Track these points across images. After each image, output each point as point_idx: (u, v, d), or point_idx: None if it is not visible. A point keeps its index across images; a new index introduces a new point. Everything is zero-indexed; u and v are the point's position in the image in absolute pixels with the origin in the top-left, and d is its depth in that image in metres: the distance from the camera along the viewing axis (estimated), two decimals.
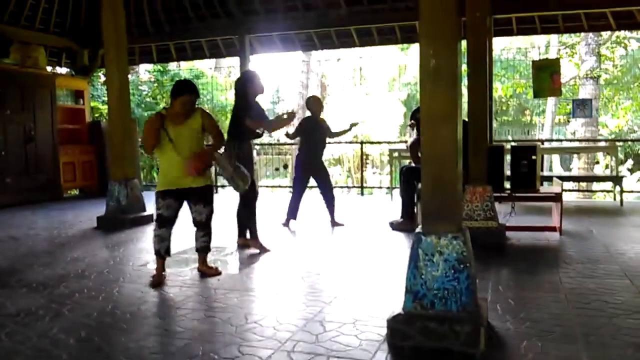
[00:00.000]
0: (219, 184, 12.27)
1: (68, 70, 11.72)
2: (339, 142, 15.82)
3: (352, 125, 7.22)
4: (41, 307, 3.72)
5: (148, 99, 16.89)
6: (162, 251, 4.42)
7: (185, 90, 4.40)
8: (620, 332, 3.05)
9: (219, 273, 4.53)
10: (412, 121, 6.61)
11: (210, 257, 5.07)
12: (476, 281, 3.03)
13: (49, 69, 10.62)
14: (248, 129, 5.22)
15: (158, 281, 4.28)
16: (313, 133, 6.79)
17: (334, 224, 6.82)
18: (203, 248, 4.59)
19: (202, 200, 4.49)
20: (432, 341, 2.83)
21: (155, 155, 4.53)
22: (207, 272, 4.53)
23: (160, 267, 4.42)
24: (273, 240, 5.69)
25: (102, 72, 13.51)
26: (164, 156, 4.40)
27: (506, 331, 3.11)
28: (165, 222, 4.42)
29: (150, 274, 4.46)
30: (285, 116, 5.33)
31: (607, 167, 15.95)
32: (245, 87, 5.30)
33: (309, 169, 6.82)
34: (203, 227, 4.55)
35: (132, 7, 10.24)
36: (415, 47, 18.54)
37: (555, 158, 16.57)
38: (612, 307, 3.49)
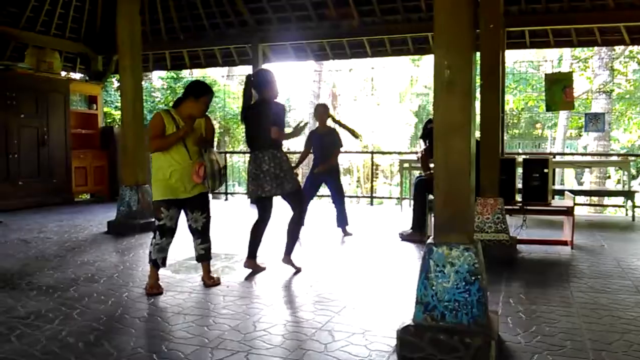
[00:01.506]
0: (229, 191, 12.30)
1: (82, 75, 11.82)
2: (349, 152, 15.84)
3: (356, 135, 7.28)
4: (51, 310, 3.74)
5: (161, 105, 17.00)
6: (159, 261, 4.28)
7: (209, 89, 4.32)
8: (632, 349, 3.01)
9: (218, 283, 4.45)
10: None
11: (219, 264, 5.09)
12: (487, 294, 3.01)
13: (63, 74, 10.72)
14: (271, 138, 4.74)
15: (156, 287, 4.19)
16: (315, 141, 6.87)
17: (345, 233, 6.86)
18: (202, 256, 4.47)
19: (200, 207, 4.38)
20: (442, 353, 2.81)
21: (153, 159, 4.27)
22: (207, 282, 4.43)
23: (155, 277, 4.26)
24: (282, 248, 5.67)
25: (115, 78, 13.63)
26: (170, 160, 4.17)
27: (517, 345, 3.08)
28: (167, 233, 4.28)
29: (160, 280, 4.45)
30: (301, 125, 5.18)
31: (618, 181, 15.83)
32: (270, 90, 4.82)
33: (311, 175, 6.90)
34: (200, 235, 4.44)
35: (147, 14, 10.35)
36: (427, 59, 18.61)
37: (569, 172, 16.47)
38: (624, 322, 3.45)
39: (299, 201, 4.92)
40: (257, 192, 4.77)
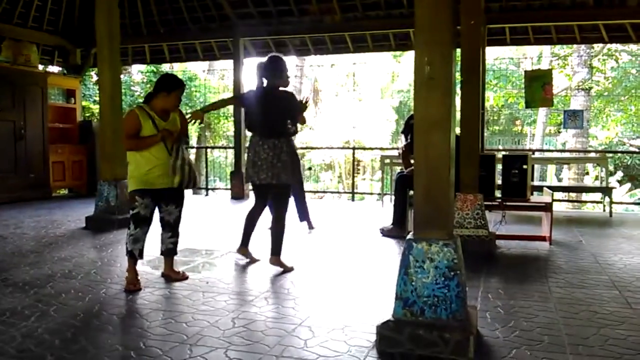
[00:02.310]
0: (209, 186, 12.24)
1: (60, 68, 11.65)
2: (331, 148, 15.83)
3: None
4: (27, 306, 3.68)
5: (140, 100, 16.82)
6: (136, 252, 4.21)
7: (180, 83, 4.30)
8: (608, 343, 3.05)
9: (186, 278, 4.41)
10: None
11: (200, 260, 5.06)
12: (466, 289, 3.03)
13: (40, 67, 10.54)
14: (294, 128, 4.78)
15: (134, 283, 4.13)
16: None
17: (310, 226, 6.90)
18: (169, 251, 4.43)
19: (175, 200, 4.35)
20: (421, 348, 2.82)
21: (129, 154, 4.27)
22: (173, 276, 4.40)
23: (133, 272, 4.20)
24: (262, 244, 5.66)
25: (94, 71, 13.44)
26: (146, 153, 4.15)
27: (495, 340, 3.10)
28: (142, 222, 4.23)
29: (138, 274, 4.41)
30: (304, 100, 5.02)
31: (597, 178, 16.06)
32: (281, 78, 4.78)
33: None
34: (171, 229, 4.39)
35: (126, 7, 10.22)
36: (408, 55, 18.66)
37: (550, 168, 16.68)
38: (601, 317, 3.50)
39: (285, 198, 4.84)
40: (253, 179, 4.76)
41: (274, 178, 4.66)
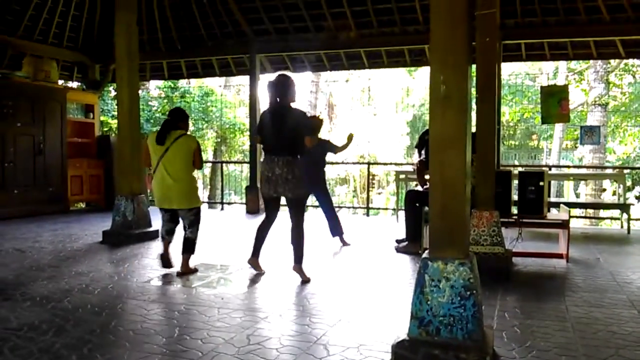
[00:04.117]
0: (225, 200, 12.29)
1: (79, 84, 11.83)
2: (346, 163, 15.85)
3: (350, 137, 6.97)
4: (44, 321, 3.72)
5: (158, 115, 17.00)
6: (167, 234, 5.30)
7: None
8: None
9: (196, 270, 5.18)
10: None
11: (214, 276, 5.09)
12: (482, 308, 3.01)
13: (60, 82, 10.71)
14: (304, 147, 4.91)
15: (167, 259, 5.17)
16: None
17: (343, 243, 6.90)
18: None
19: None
20: None
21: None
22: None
23: (167, 247, 5.22)
24: (278, 259, 5.67)
25: (112, 86, 13.63)
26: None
27: None
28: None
29: (154, 290, 4.46)
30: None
31: (614, 194, 15.88)
32: (290, 96, 4.95)
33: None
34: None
35: (144, 23, 10.38)
36: (422, 70, 18.67)
37: (567, 184, 16.52)
38: (620, 337, 3.45)
39: (301, 209, 5.05)
40: (270, 193, 4.95)
41: (288, 191, 4.86)
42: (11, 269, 5.36)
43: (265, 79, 10.46)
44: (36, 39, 10.15)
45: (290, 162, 4.84)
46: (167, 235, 5.32)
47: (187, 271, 5.15)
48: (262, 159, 5.05)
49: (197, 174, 4.98)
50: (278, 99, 4.93)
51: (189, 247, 5.21)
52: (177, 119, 5.23)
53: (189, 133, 5.34)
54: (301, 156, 4.97)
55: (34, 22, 10.00)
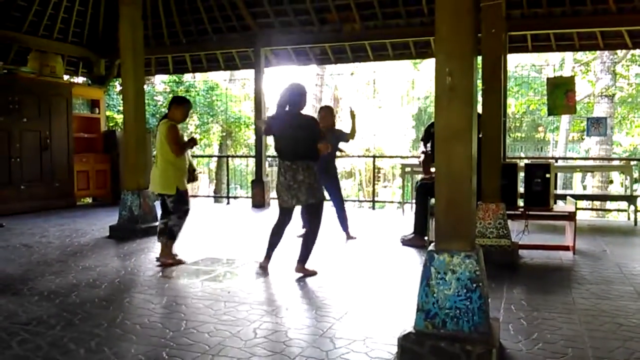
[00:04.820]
0: (230, 194, 12.31)
1: (85, 79, 11.85)
2: (352, 156, 15.83)
3: (353, 115, 7.06)
4: (52, 315, 3.74)
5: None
6: (159, 234, 5.50)
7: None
8: (634, 356, 3.00)
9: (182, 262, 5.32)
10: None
11: (221, 269, 5.10)
12: (488, 301, 3.00)
13: (65, 77, 10.73)
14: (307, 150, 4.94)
15: (164, 262, 5.30)
16: None
17: (348, 236, 6.90)
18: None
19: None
20: None
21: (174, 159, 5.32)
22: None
23: (163, 250, 5.39)
24: (285, 252, 5.67)
25: (118, 81, 13.65)
26: (182, 158, 5.37)
27: (518, 352, 3.07)
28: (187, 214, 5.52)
29: (161, 284, 4.48)
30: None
31: (621, 185, 15.80)
32: (302, 103, 5.05)
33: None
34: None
35: (149, 18, 10.37)
36: (427, 62, 18.59)
37: (574, 176, 16.44)
38: (626, 329, 3.44)
39: (320, 213, 5.05)
40: (291, 202, 4.95)
41: (311, 197, 4.89)
42: (19, 264, 5.39)
43: (270, 73, 10.55)
44: (41, 34, 10.16)
45: (311, 167, 4.89)
46: (160, 235, 5.43)
47: (165, 259, 5.31)
48: (280, 168, 4.98)
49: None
50: (289, 106, 4.98)
51: (167, 232, 5.36)
52: (169, 106, 5.49)
53: (170, 119, 5.38)
54: (317, 161, 5.02)
55: (39, 17, 10.01)
